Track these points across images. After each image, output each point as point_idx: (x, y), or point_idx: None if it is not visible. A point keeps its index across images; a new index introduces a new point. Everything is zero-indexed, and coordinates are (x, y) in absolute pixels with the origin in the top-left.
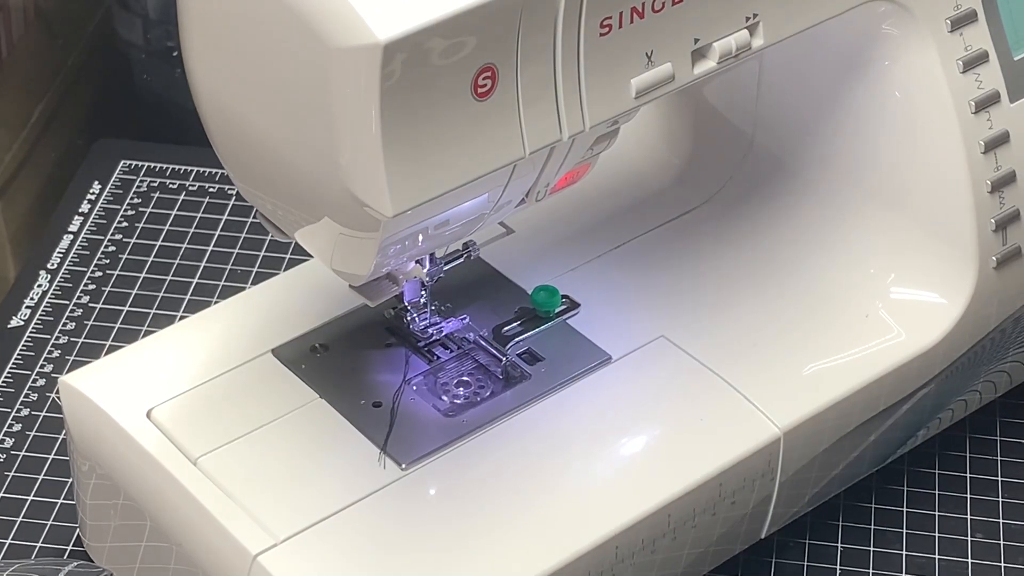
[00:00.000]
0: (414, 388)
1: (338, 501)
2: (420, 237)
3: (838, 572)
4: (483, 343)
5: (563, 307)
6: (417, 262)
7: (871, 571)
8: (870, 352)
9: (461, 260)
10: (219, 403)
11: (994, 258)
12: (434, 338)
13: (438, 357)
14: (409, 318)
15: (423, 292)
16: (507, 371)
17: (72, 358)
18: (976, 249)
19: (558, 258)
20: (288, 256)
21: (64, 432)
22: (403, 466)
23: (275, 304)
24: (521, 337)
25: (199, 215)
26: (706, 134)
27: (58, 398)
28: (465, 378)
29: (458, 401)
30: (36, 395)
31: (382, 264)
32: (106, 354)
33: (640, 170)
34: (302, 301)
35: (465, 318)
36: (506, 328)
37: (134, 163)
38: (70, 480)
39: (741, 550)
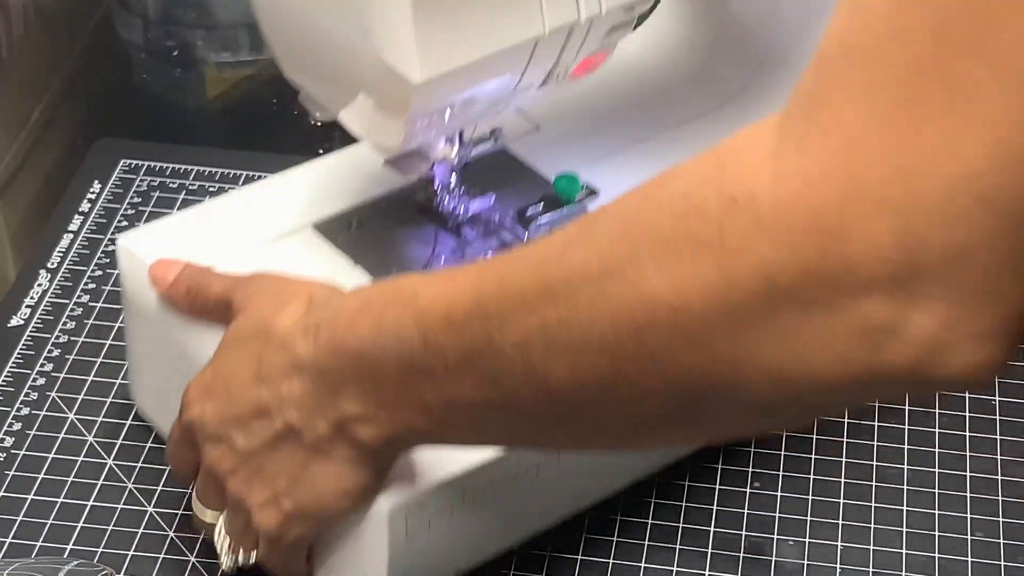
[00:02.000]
0: (441, 262)
1: None
2: (447, 113)
3: (838, 571)
4: (507, 224)
5: (583, 194)
6: (448, 141)
7: (871, 571)
8: None
9: (490, 143)
10: (265, 268)
11: None
12: (462, 218)
13: (465, 236)
14: (439, 199)
15: (453, 175)
16: None
17: (72, 357)
18: None
19: (581, 151)
20: None
21: (119, 295)
22: None
23: (318, 184)
24: (543, 219)
25: None
26: (724, 39)
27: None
28: (490, 255)
29: None
30: (36, 394)
31: (412, 136)
32: (105, 355)
33: (659, 73)
34: (343, 182)
35: (491, 199)
36: (529, 211)
37: (134, 163)
38: (70, 479)
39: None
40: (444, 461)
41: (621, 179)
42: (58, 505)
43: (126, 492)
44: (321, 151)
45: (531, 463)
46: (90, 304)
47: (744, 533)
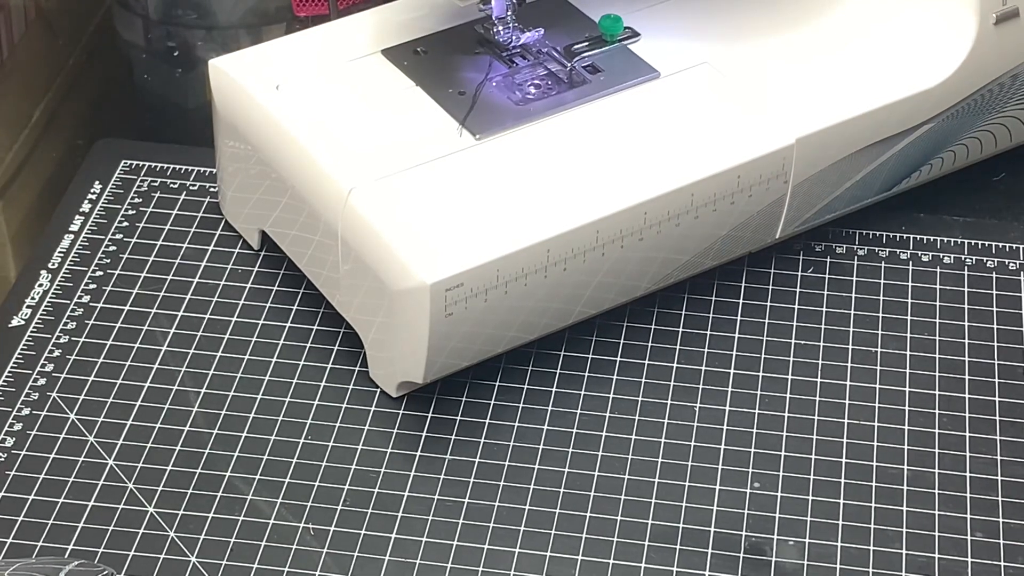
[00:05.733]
0: (494, 84)
1: (423, 157)
2: None
3: (838, 572)
4: (555, 55)
5: (626, 34)
6: None
7: (871, 571)
8: (881, 85)
9: None
10: (336, 85)
11: (994, 15)
12: (514, 47)
13: (516, 64)
14: (495, 30)
15: (509, 10)
16: (571, 77)
17: (73, 357)
18: (977, 5)
19: (625, 3)
20: (287, 257)
21: (212, 113)
22: (477, 137)
23: (388, 18)
24: (587, 52)
25: (199, 215)
26: None
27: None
28: (537, 81)
29: (530, 96)
30: (37, 395)
31: None
32: (106, 355)
33: None
34: (410, 16)
35: (540, 32)
36: (575, 46)
37: (134, 163)
38: (70, 479)
39: (756, 249)
40: (482, 247)
41: (662, 25)
42: (59, 505)
43: (127, 492)
44: None
45: (559, 258)
46: (91, 304)
47: (744, 533)
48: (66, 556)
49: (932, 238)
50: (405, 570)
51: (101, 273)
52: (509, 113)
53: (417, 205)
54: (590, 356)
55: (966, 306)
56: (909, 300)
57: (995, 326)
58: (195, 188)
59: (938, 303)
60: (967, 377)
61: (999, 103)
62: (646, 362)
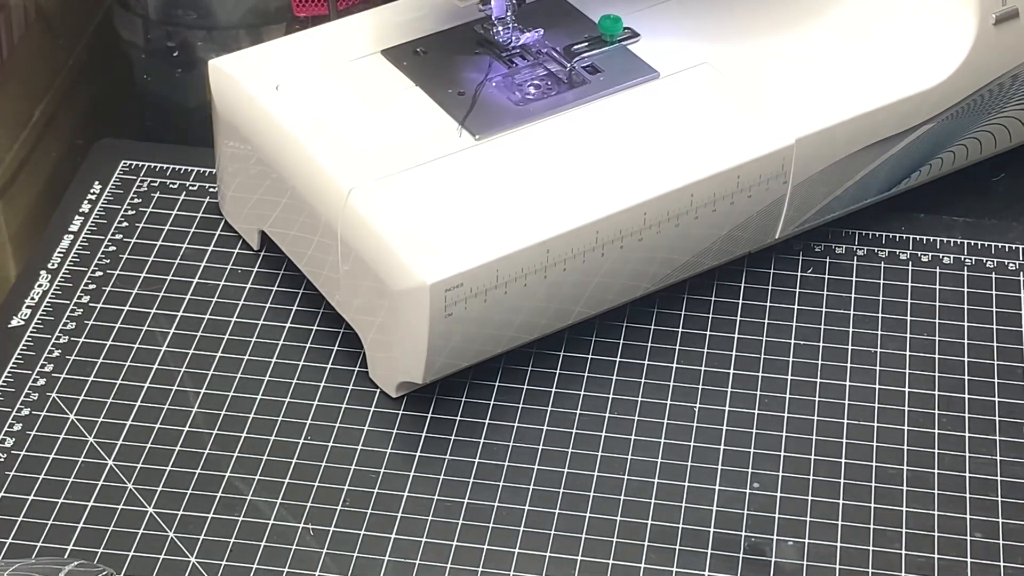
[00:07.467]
0: (494, 85)
1: (423, 157)
2: None
3: (838, 572)
4: (555, 55)
5: (625, 34)
6: None
7: (871, 571)
8: (881, 85)
9: None
10: (336, 85)
11: (993, 15)
12: (514, 48)
13: (516, 64)
14: (494, 31)
15: (509, 10)
16: (571, 77)
17: (72, 358)
18: (977, 5)
19: (625, 4)
20: (287, 257)
21: (212, 114)
22: (476, 137)
23: (388, 18)
24: (586, 53)
25: (199, 215)
26: None
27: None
28: (536, 82)
29: (529, 97)
30: (36, 395)
31: None
32: (105, 355)
33: None
34: (410, 16)
35: (540, 32)
36: (575, 46)
37: (134, 163)
38: (70, 480)
39: (756, 249)
40: (481, 247)
41: (662, 25)
42: (58, 506)
43: (126, 493)
44: None
45: (559, 258)
46: (90, 305)
47: (744, 533)
48: (66, 556)
49: (932, 238)
50: (405, 570)
51: (101, 273)
52: (509, 113)
53: (417, 205)
54: (590, 356)
55: (966, 306)
56: (909, 300)
57: (995, 326)
58: (195, 188)
59: (938, 303)
60: (967, 377)
61: (999, 103)
62: (646, 362)
